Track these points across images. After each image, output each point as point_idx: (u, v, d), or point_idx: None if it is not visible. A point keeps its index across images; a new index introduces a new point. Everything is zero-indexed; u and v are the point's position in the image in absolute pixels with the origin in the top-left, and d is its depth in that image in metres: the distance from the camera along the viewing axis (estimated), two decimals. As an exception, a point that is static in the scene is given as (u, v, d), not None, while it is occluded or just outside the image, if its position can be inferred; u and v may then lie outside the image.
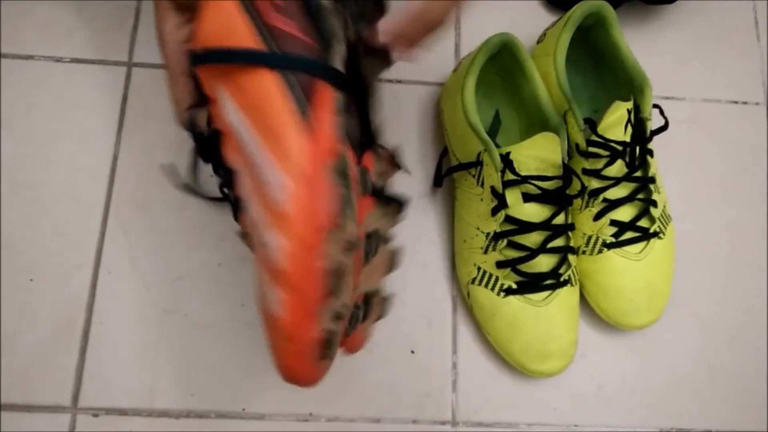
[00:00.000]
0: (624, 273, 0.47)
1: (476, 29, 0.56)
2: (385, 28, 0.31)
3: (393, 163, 0.35)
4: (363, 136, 0.33)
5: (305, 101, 0.29)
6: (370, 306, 0.35)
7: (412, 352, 0.48)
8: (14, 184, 0.48)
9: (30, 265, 0.47)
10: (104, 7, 0.53)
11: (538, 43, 0.52)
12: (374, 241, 0.33)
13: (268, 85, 0.30)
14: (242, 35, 0.31)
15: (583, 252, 0.48)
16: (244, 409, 0.45)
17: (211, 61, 0.31)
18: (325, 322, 0.29)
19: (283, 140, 0.29)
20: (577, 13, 0.47)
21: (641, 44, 0.55)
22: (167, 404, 0.45)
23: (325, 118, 0.29)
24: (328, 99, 0.30)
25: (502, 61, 0.49)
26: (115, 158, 0.50)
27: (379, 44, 0.32)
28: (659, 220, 0.48)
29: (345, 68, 0.31)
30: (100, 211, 0.48)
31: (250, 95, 0.30)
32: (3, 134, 0.49)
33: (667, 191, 0.51)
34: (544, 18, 0.57)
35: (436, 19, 0.31)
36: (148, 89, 0.51)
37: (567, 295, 0.46)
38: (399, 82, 0.54)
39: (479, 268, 0.46)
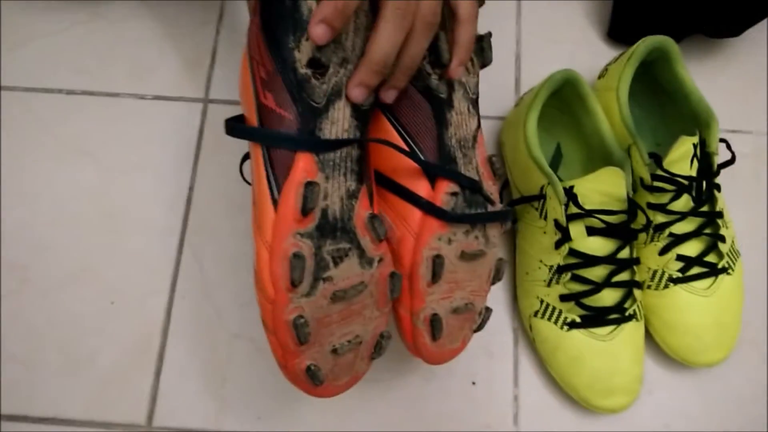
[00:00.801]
0: (691, 309, 0.46)
1: (536, 64, 0.56)
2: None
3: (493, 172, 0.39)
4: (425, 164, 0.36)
5: (275, 176, 0.33)
6: (436, 324, 0.37)
7: (473, 383, 0.48)
8: (98, 213, 0.51)
9: (111, 289, 0.49)
10: (183, 47, 0.56)
11: (599, 77, 0.52)
12: (441, 261, 0.36)
13: (257, 159, 0.34)
14: (248, 105, 0.35)
15: (648, 287, 0.47)
16: (308, 435, 0.46)
17: (226, 130, 0.35)
18: (309, 360, 0.34)
19: (261, 212, 0.33)
20: (640, 48, 0.47)
21: (705, 77, 0.54)
22: (235, 426, 0.46)
23: (290, 191, 0.32)
24: (304, 168, 0.32)
25: (564, 96, 0.49)
26: (190, 189, 0.52)
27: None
28: (728, 255, 0.46)
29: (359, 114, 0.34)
30: (176, 239, 0.51)
31: (252, 162, 0.34)
32: (91, 166, 0.52)
33: (735, 226, 0.50)
34: (603, 52, 0.57)
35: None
36: (222, 125, 0.53)
37: (632, 330, 0.45)
38: (460, 116, 0.55)
39: (542, 301, 0.46)
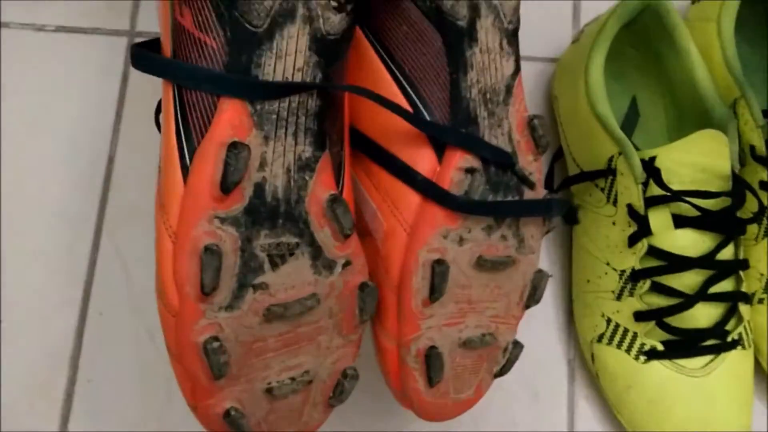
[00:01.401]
0: (821, 332, 0.46)
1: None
2: None
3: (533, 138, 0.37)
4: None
5: (186, 132, 0.32)
6: (435, 360, 0.36)
7: (512, 435, 0.48)
8: (-20, 193, 0.51)
9: (-1, 302, 0.49)
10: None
11: (693, 3, 0.52)
12: (445, 270, 0.35)
13: (167, 106, 0.33)
14: (164, 25, 0.34)
15: (761, 301, 0.47)
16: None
17: (132, 60, 0.35)
18: (231, 401, 0.33)
19: (166, 185, 0.32)
20: (752, -40, 0.47)
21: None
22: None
23: (207, 155, 0.31)
24: (229, 122, 0.31)
25: (642, 29, 0.49)
26: (110, 161, 0.52)
27: None
28: None
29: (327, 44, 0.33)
30: (90, 232, 0.50)
31: (163, 110, 0.34)
32: (-32, 127, 0.52)
33: None
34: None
35: None
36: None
37: (736, 362, 0.45)
38: (494, 57, 0.54)
39: (609, 321, 0.46)
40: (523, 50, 0.54)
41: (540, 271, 0.39)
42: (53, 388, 0.48)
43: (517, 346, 0.40)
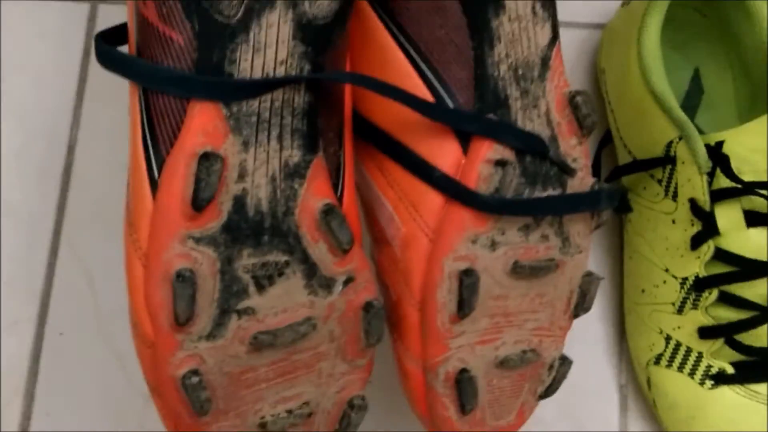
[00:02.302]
0: None
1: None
2: None
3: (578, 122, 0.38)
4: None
5: (153, 141, 0.33)
6: (467, 385, 0.37)
7: (553, 476, 0.48)
8: None
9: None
10: None
11: (767, -44, 0.52)
12: (475, 281, 0.36)
13: (134, 109, 0.34)
14: (129, 16, 0.35)
15: None
16: None
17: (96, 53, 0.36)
18: None
19: (134, 201, 0.33)
20: None
21: None
22: None
23: (176, 167, 0.31)
24: (201, 128, 0.31)
25: (706, -11, 0.49)
26: (70, 150, 0.52)
27: None
28: None
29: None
30: (47, 234, 0.51)
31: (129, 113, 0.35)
32: None
33: None
34: None
35: None
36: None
37: (821, 388, 0.45)
38: (528, 23, 0.55)
39: (669, 339, 0.46)
40: (563, 15, 0.54)
41: (590, 273, 0.39)
42: (5, 423, 0.48)
43: (566, 362, 0.40)
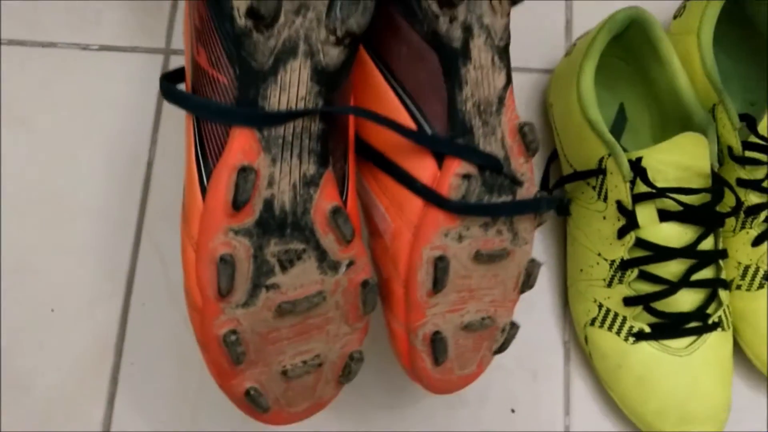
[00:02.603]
0: (794, 315, 0.46)
1: (593, 1, 0.56)
2: None
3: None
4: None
5: (203, 157, 0.33)
6: (439, 344, 0.37)
7: (512, 411, 0.48)
8: (34, 197, 0.52)
9: (51, 294, 0.50)
10: (138, -17, 0.56)
11: (675, 17, 0.52)
12: (446, 265, 0.35)
13: (189, 133, 0.33)
14: (186, 60, 0.35)
15: (738, 287, 0.47)
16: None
17: (161, 90, 0.35)
18: (251, 382, 0.35)
19: (189, 201, 0.33)
20: (728, -22, 0.47)
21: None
22: (210, 467, 0.47)
23: (221, 177, 0.32)
24: (240, 148, 0.32)
25: (629, 42, 0.49)
26: (149, 165, 0.53)
27: None
28: (841, 246, 0.46)
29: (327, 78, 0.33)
30: (132, 229, 0.51)
31: (185, 135, 0.34)
32: (24, 136, 0.53)
33: None
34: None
35: None
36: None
37: (717, 343, 0.45)
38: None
39: (601, 306, 0.46)
40: (521, 62, 0.55)
41: (533, 260, 0.39)
42: (100, 371, 0.49)
43: (514, 326, 0.40)
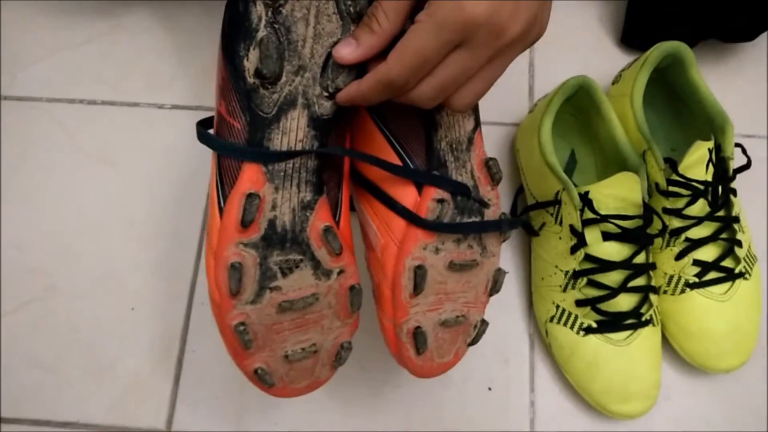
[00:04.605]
0: (708, 314, 0.45)
1: (550, 70, 0.57)
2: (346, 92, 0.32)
3: (491, 177, 0.37)
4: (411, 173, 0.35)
5: (221, 185, 0.32)
6: (420, 337, 0.36)
7: (489, 389, 0.48)
8: (120, 220, 0.52)
9: (132, 296, 0.50)
10: (202, 56, 0.57)
11: (613, 83, 0.52)
12: (424, 272, 0.34)
13: (213, 165, 0.33)
14: (214, 110, 0.34)
15: (665, 292, 0.47)
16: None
17: (197, 133, 0.35)
18: (259, 362, 0.34)
19: (210, 219, 0.33)
20: (654, 54, 0.47)
21: (719, 82, 0.54)
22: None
23: (234, 201, 0.31)
24: (249, 179, 0.31)
25: (578, 102, 0.49)
26: (208, 197, 0.52)
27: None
28: (744, 260, 0.46)
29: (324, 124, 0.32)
30: (194, 247, 0.51)
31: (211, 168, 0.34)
32: (112, 174, 0.53)
33: (751, 231, 0.49)
34: (617, 58, 0.57)
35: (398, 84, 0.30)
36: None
37: (649, 335, 0.45)
38: (474, 123, 0.55)
39: (558, 306, 0.46)
40: (495, 118, 0.55)
41: (499, 269, 0.38)
42: (169, 356, 0.49)
43: (484, 323, 0.39)
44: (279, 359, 0.35)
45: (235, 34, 0.31)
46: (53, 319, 0.49)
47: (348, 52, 0.31)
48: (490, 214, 0.36)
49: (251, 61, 0.31)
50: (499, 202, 0.37)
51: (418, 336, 0.36)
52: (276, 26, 0.31)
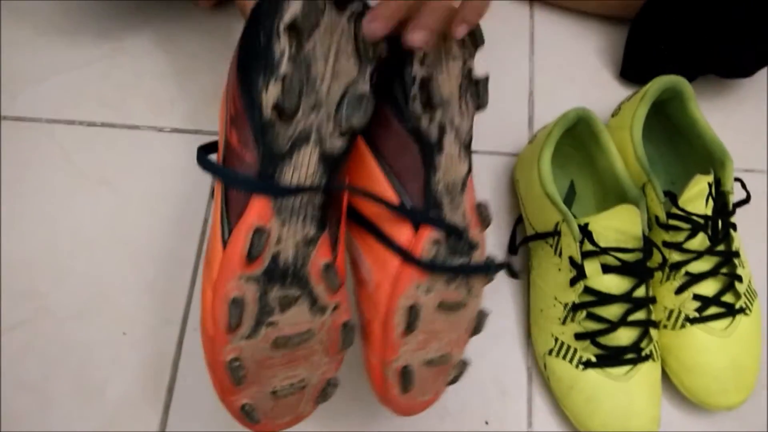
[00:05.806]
0: (708, 350, 0.45)
1: (550, 102, 0.57)
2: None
3: (482, 218, 0.37)
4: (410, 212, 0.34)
5: (227, 216, 0.32)
6: (408, 376, 0.35)
7: (486, 422, 0.47)
8: (114, 241, 0.51)
9: (124, 319, 0.49)
10: (202, 81, 0.57)
11: (613, 116, 0.52)
12: (417, 312, 0.34)
13: (217, 195, 0.33)
14: (220, 138, 0.34)
15: (665, 326, 0.46)
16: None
17: (197, 158, 0.35)
18: (246, 399, 0.34)
19: (211, 250, 0.32)
20: (653, 88, 0.48)
21: (718, 117, 0.54)
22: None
23: (240, 234, 0.31)
24: (257, 212, 0.31)
25: (578, 134, 0.49)
26: (205, 221, 0.52)
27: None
28: (745, 295, 0.46)
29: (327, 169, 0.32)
30: (189, 271, 0.50)
31: (215, 196, 0.34)
32: (109, 195, 0.53)
33: (751, 266, 0.49)
34: (616, 90, 0.58)
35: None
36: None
37: (649, 371, 0.44)
38: (474, 152, 0.55)
39: (557, 339, 0.45)
40: (495, 147, 0.56)
41: (482, 310, 0.38)
42: (160, 383, 0.47)
43: (464, 363, 0.39)
44: (266, 395, 0.34)
45: (254, 66, 0.31)
46: (44, 341, 0.48)
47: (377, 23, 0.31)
48: (477, 256, 0.36)
49: (270, 94, 0.30)
50: (485, 244, 0.37)
51: (406, 375, 0.35)
52: (297, 62, 0.31)
